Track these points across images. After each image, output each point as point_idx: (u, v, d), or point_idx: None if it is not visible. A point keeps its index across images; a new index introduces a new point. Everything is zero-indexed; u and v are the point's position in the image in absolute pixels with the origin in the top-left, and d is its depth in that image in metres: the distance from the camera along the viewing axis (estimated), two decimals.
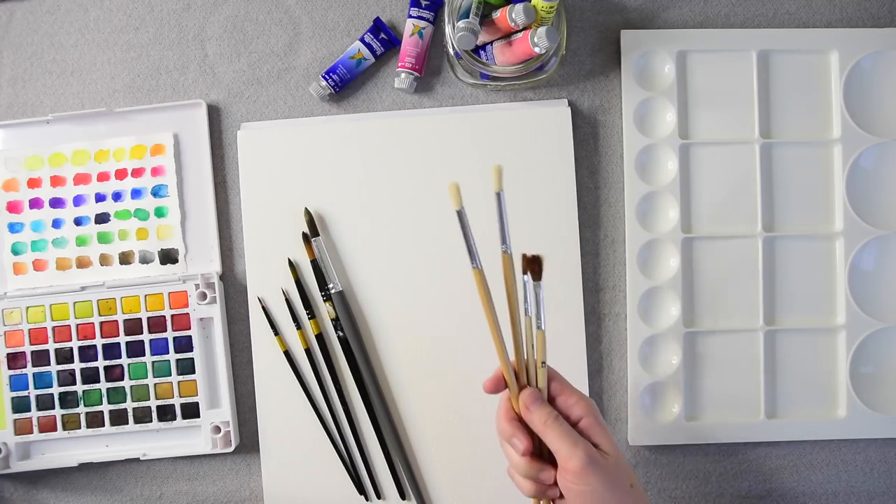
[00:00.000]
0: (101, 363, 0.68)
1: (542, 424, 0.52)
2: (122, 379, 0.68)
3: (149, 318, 0.68)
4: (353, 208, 0.69)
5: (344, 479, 0.68)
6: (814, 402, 0.68)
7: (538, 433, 0.53)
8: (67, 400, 0.68)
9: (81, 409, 0.68)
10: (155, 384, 0.68)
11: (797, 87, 0.69)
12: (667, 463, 0.69)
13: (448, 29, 0.64)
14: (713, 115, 0.69)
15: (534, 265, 0.53)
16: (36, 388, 0.68)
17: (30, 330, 0.68)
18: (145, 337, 0.68)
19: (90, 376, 0.68)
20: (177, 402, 0.68)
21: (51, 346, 0.68)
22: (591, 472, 0.50)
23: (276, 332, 0.69)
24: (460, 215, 0.51)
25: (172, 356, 0.68)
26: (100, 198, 0.70)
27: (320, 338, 0.69)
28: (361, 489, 0.68)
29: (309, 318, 0.68)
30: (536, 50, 0.61)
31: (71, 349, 0.68)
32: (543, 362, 0.54)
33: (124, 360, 0.68)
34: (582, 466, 0.50)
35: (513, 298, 0.53)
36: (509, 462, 0.55)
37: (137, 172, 0.70)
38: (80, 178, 0.70)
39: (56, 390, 0.68)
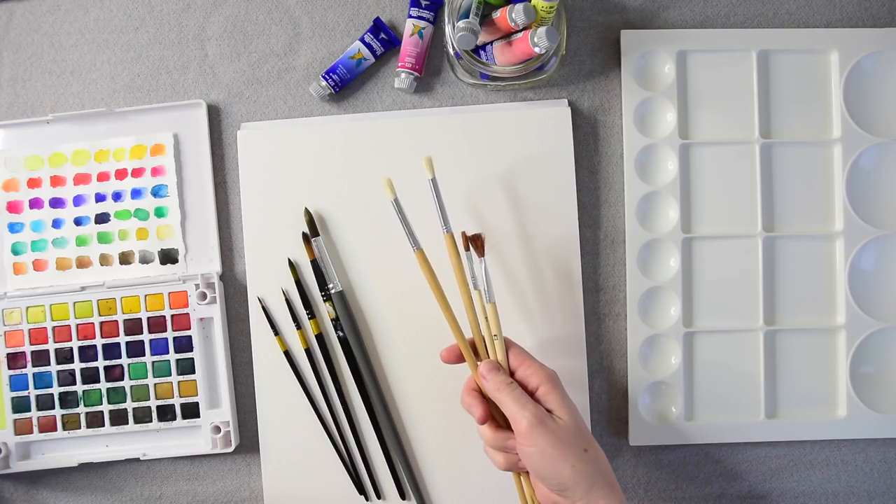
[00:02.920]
0: (101, 363, 0.68)
1: (495, 391, 0.55)
2: (122, 379, 0.68)
3: (149, 318, 0.68)
4: (353, 208, 0.69)
5: (344, 479, 0.68)
6: (814, 402, 0.68)
7: (494, 400, 0.56)
8: (67, 400, 0.68)
9: (81, 409, 0.68)
10: (155, 384, 0.68)
11: (797, 87, 0.69)
12: (667, 463, 0.69)
13: (448, 29, 0.64)
14: (713, 115, 0.69)
15: (475, 241, 0.59)
16: (36, 388, 0.68)
17: (30, 330, 0.69)
18: (145, 337, 0.68)
19: (90, 376, 0.68)
20: (177, 402, 0.68)
21: (51, 346, 0.68)
22: (538, 432, 0.52)
23: (276, 332, 0.69)
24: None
25: (172, 356, 0.68)
26: (100, 198, 0.70)
27: (320, 338, 0.69)
28: (361, 489, 0.68)
29: (309, 318, 0.68)
30: (536, 50, 0.61)
31: (71, 349, 0.68)
32: (495, 335, 0.58)
33: (124, 360, 0.68)
34: (528, 427, 0.52)
35: (460, 275, 0.58)
36: (481, 438, 0.59)
37: (137, 172, 0.70)
38: (80, 178, 0.70)
39: (56, 390, 0.68)
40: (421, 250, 0.59)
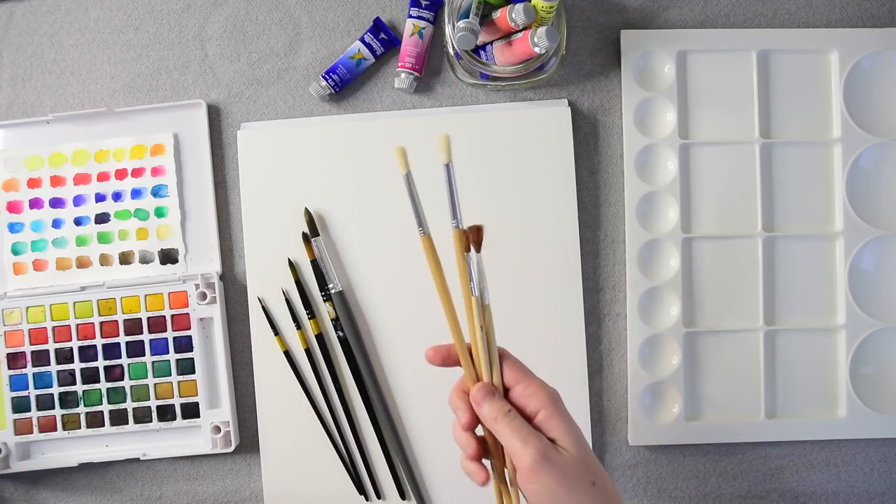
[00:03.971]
0: (101, 363, 0.68)
1: (492, 420, 0.49)
2: (122, 379, 0.68)
3: (149, 318, 0.68)
4: (353, 208, 0.69)
5: (344, 479, 0.68)
6: (814, 402, 0.68)
7: (490, 429, 0.50)
8: (67, 400, 0.68)
9: (81, 409, 0.68)
10: (155, 384, 0.68)
11: (797, 87, 0.69)
12: (667, 463, 0.69)
13: (448, 29, 0.64)
14: (713, 115, 0.69)
15: (476, 235, 0.52)
16: (36, 388, 0.68)
17: (30, 330, 0.68)
18: (145, 337, 0.68)
19: (90, 376, 0.68)
20: (177, 402, 0.68)
21: (51, 346, 0.68)
22: (544, 470, 0.46)
23: (276, 332, 0.69)
24: (408, 179, 0.52)
25: (172, 356, 0.68)
26: (100, 198, 0.70)
27: (320, 338, 0.69)
28: (361, 489, 0.68)
29: (309, 318, 0.68)
30: (536, 50, 0.61)
31: (71, 349, 0.68)
32: (497, 347, 0.52)
33: (124, 360, 0.68)
34: (532, 465, 0.46)
35: (465, 276, 0.51)
36: (459, 446, 0.52)
37: (137, 172, 0.70)
38: (80, 178, 0.70)
39: (56, 390, 0.68)
40: (428, 235, 0.52)
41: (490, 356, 0.51)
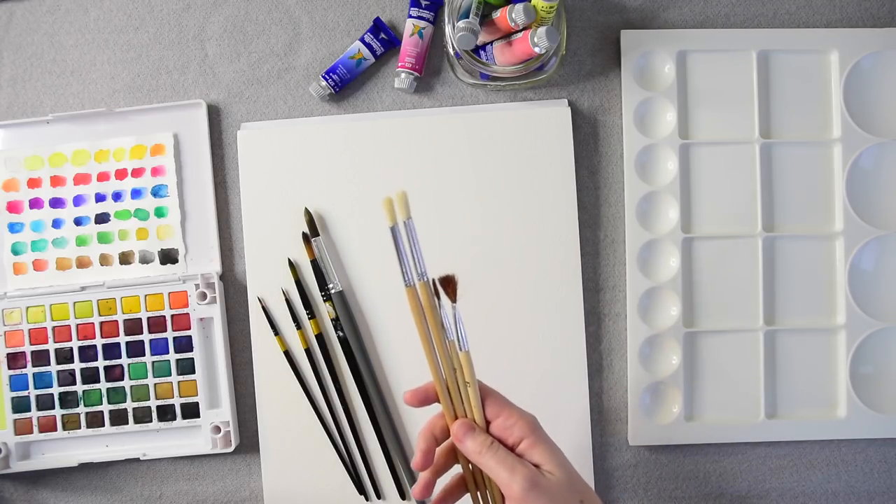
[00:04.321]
0: (101, 363, 0.68)
1: (476, 455, 0.50)
2: (122, 379, 0.68)
3: (149, 318, 0.68)
4: (353, 208, 0.69)
5: (344, 479, 0.68)
6: (814, 402, 0.68)
7: (475, 463, 0.50)
8: (67, 400, 0.68)
9: (81, 409, 0.68)
10: (155, 384, 0.68)
11: (797, 87, 0.69)
12: (667, 463, 0.69)
13: (448, 29, 0.64)
14: (713, 115, 0.69)
15: (447, 286, 0.51)
16: (36, 388, 0.68)
17: (30, 330, 0.68)
18: (145, 337, 0.68)
19: (90, 376, 0.68)
20: (177, 402, 0.68)
21: (51, 346, 0.68)
22: (533, 496, 0.48)
23: (276, 332, 0.69)
24: (393, 232, 0.51)
25: (172, 356, 0.68)
26: (100, 198, 0.70)
27: (320, 338, 0.69)
28: (361, 489, 0.68)
29: (309, 318, 0.68)
30: (536, 50, 0.61)
31: (71, 349, 0.68)
32: (468, 382, 0.51)
33: (124, 360, 0.68)
34: (522, 492, 0.48)
35: (436, 328, 0.51)
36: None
37: (137, 172, 0.70)
38: (80, 178, 0.70)
39: (56, 390, 0.68)
40: (413, 287, 0.51)
41: (472, 397, 0.51)
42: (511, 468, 0.48)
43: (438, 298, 0.51)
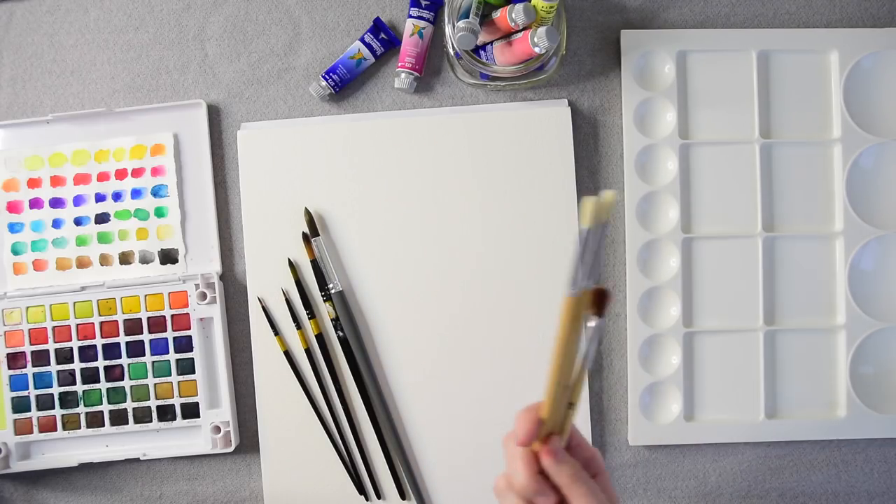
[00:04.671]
0: (101, 363, 0.68)
1: (570, 481, 0.46)
2: (122, 379, 0.68)
3: (149, 318, 0.68)
4: (353, 208, 0.69)
5: (344, 479, 0.68)
6: (814, 402, 0.68)
7: (562, 486, 0.47)
8: (67, 400, 0.68)
9: (81, 409, 0.68)
10: (155, 384, 0.68)
11: (797, 87, 0.69)
12: (667, 463, 0.69)
13: (448, 29, 0.64)
14: (713, 115, 0.69)
15: (602, 300, 0.46)
16: (36, 388, 0.68)
17: (30, 330, 0.68)
18: (145, 337, 0.68)
19: (90, 376, 0.68)
20: (177, 402, 0.68)
21: (51, 346, 0.68)
22: None
23: (276, 332, 0.69)
24: (587, 233, 0.44)
25: (172, 356, 0.68)
26: (100, 198, 0.70)
27: (320, 338, 0.69)
28: (361, 489, 0.68)
29: (309, 318, 0.68)
30: (536, 50, 0.61)
31: (71, 349, 0.68)
32: (572, 404, 0.48)
33: (124, 360, 0.68)
34: None
35: (575, 342, 0.46)
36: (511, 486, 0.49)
37: (137, 172, 0.70)
38: (80, 178, 0.70)
39: (56, 390, 0.68)
40: (576, 297, 0.45)
41: (569, 420, 0.48)
42: (601, 502, 0.46)
43: (594, 312, 0.46)
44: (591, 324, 0.46)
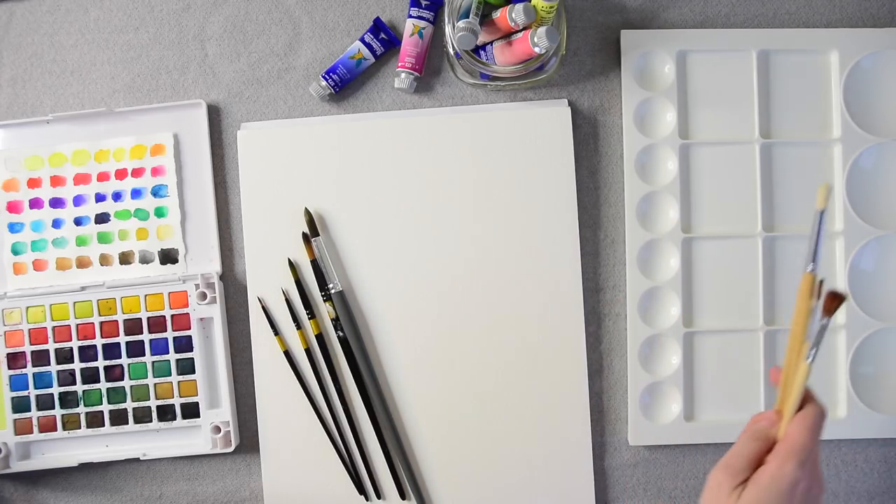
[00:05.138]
0: (101, 363, 0.68)
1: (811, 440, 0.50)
2: (122, 379, 0.68)
3: (149, 318, 0.68)
4: (352, 208, 0.69)
5: (344, 479, 0.68)
6: None
7: (801, 435, 0.50)
8: (67, 400, 0.68)
9: (81, 409, 0.68)
10: (155, 384, 0.68)
11: (797, 87, 0.69)
12: (667, 463, 0.69)
13: (448, 29, 0.64)
14: (713, 115, 0.69)
15: (833, 301, 0.51)
16: (36, 388, 0.68)
17: (30, 330, 0.68)
18: (145, 337, 0.68)
19: (90, 376, 0.68)
20: (177, 402, 0.68)
21: (51, 346, 0.68)
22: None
23: (276, 332, 0.69)
24: (820, 215, 0.52)
25: (172, 356, 0.68)
26: (100, 198, 0.70)
27: (320, 338, 0.69)
28: (361, 489, 0.68)
29: (309, 318, 0.68)
30: (536, 50, 0.61)
31: (71, 349, 0.68)
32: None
33: (124, 360, 0.68)
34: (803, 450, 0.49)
35: (800, 322, 0.52)
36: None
37: (137, 172, 0.70)
38: (80, 178, 0.70)
39: (56, 390, 0.68)
40: (813, 275, 0.51)
41: (790, 405, 0.51)
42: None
43: (825, 313, 0.51)
44: (822, 321, 0.51)
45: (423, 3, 0.68)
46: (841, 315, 0.68)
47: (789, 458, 0.49)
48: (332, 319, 0.68)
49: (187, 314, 0.68)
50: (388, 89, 0.70)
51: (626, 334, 0.68)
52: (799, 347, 0.52)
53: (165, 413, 0.68)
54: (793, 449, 0.49)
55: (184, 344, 0.68)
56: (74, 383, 0.68)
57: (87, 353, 0.68)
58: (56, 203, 0.70)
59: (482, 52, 0.65)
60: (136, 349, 0.68)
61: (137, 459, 0.69)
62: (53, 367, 0.68)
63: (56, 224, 0.70)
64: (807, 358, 0.51)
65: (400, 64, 0.68)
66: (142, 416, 0.68)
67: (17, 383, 0.69)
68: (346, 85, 0.69)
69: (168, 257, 0.69)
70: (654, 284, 0.68)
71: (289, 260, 0.69)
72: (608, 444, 0.69)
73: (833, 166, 0.69)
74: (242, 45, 0.70)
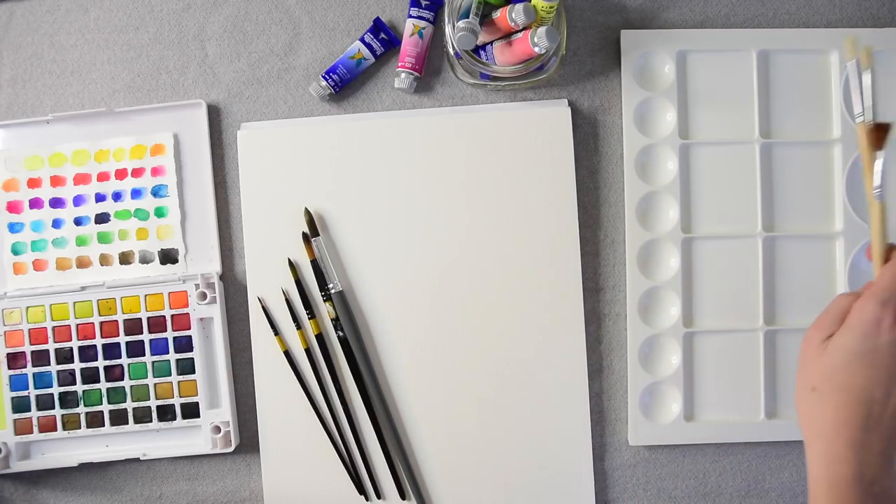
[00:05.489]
0: (101, 363, 0.68)
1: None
2: (122, 379, 0.68)
3: (149, 318, 0.68)
4: (353, 208, 0.69)
5: (344, 479, 0.68)
6: None
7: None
8: (67, 400, 0.68)
9: (81, 409, 0.68)
10: (155, 384, 0.68)
11: (797, 87, 0.69)
12: (666, 463, 0.69)
13: (448, 29, 0.64)
14: (713, 115, 0.69)
15: (881, 133, 0.53)
16: (36, 388, 0.68)
17: (30, 330, 0.68)
18: (145, 337, 0.68)
19: (90, 376, 0.68)
20: (177, 402, 0.68)
21: (51, 346, 0.68)
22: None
23: (276, 332, 0.69)
24: (856, 66, 0.54)
25: (172, 356, 0.68)
26: (100, 198, 0.70)
27: (320, 338, 0.69)
28: (361, 489, 0.68)
29: (309, 318, 0.68)
30: (536, 50, 0.61)
31: (71, 349, 0.68)
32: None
33: (124, 360, 0.68)
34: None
35: (868, 175, 0.53)
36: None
37: (137, 172, 0.70)
38: (80, 178, 0.70)
39: (56, 390, 0.68)
40: (863, 125, 0.54)
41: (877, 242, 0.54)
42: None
43: (874, 147, 0.53)
44: (878, 158, 0.52)
45: (423, 3, 0.68)
46: None
47: (871, 297, 0.49)
48: (332, 319, 0.68)
49: (187, 314, 0.68)
50: (388, 89, 0.70)
51: (626, 334, 0.68)
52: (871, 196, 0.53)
53: (165, 413, 0.68)
54: (876, 290, 0.50)
55: (184, 344, 0.68)
56: (74, 383, 0.68)
57: (87, 353, 0.68)
58: (56, 203, 0.70)
59: (482, 52, 0.65)
60: (136, 349, 0.68)
61: (137, 459, 0.69)
62: (53, 367, 0.68)
63: (56, 224, 0.70)
64: (876, 197, 0.52)
65: (400, 64, 0.68)
66: (142, 416, 0.68)
67: (17, 383, 0.69)
68: (346, 85, 0.69)
69: (168, 257, 0.69)
70: (654, 284, 0.68)
71: (289, 260, 0.69)
72: (608, 445, 0.69)
73: (833, 166, 0.69)
74: (242, 45, 0.70)
